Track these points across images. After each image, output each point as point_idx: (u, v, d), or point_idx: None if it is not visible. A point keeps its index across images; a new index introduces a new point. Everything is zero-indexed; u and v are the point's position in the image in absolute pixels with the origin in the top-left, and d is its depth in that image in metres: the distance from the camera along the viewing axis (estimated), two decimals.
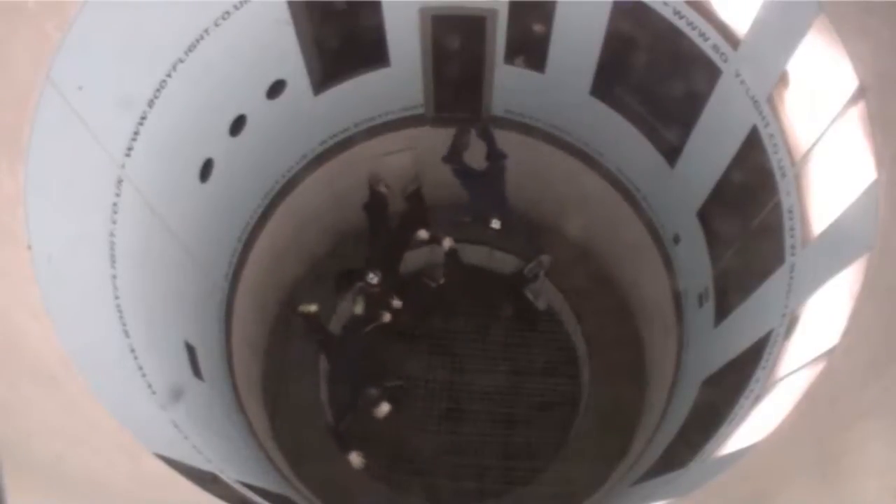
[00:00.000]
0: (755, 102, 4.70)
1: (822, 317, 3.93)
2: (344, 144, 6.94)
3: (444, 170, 7.25)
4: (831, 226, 4.06)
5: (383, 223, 7.48)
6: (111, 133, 4.05)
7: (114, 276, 4.06)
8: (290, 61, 5.65)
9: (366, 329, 6.91)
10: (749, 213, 5.21)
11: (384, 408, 6.49)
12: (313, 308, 6.59)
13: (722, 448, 4.37)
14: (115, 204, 4.13)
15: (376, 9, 5.68)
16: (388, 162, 7.27)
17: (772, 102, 4.56)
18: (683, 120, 5.68)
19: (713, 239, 5.89)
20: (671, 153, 6.05)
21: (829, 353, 3.47)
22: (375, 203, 7.37)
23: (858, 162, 3.60)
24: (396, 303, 7.07)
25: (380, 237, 7.52)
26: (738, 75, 4.81)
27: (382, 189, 7.24)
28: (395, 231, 7.53)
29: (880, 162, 3.45)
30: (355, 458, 6.54)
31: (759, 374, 4.51)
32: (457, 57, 6.41)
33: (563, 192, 7.44)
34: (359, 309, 6.90)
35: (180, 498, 3.28)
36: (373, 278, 6.83)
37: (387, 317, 6.96)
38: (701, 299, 6.14)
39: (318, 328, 6.87)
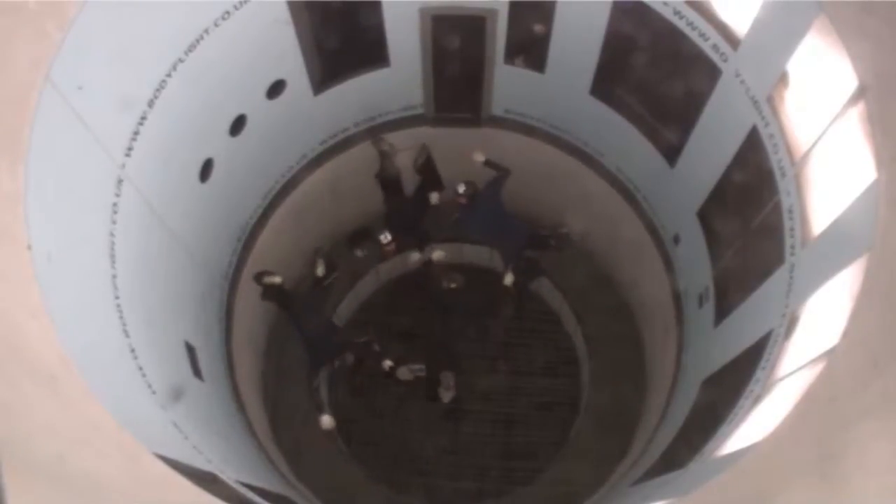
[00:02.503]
0: (755, 102, 4.70)
1: (822, 317, 3.92)
2: (344, 144, 6.94)
3: (443, 172, 7.26)
4: (831, 226, 4.06)
5: (398, 192, 7.41)
6: (111, 133, 4.06)
7: (114, 276, 4.06)
8: (290, 61, 5.65)
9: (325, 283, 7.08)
10: (749, 213, 5.21)
11: (387, 363, 6.85)
12: (277, 280, 6.63)
13: (722, 448, 4.37)
14: (115, 204, 4.13)
15: (376, 9, 5.68)
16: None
17: (772, 102, 4.56)
18: (683, 120, 5.68)
19: (713, 239, 5.89)
20: (671, 153, 6.05)
21: (829, 353, 3.47)
22: (387, 171, 7.30)
23: (858, 162, 3.60)
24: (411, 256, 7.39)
25: (396, 207, 7.47)
26: (738, 75, 4.81)
27: (385, 147, 7.11)
28: (411, 200, 7.48)
29: (880, 162, 3.45)
30: (326, 420, 6.59)
31: (759, 374, 4.51)
32: (457, 57, 6.41)
33: (563, 191, 7.44)
34: (320, 271, 6.96)
35: (180, 498, 3.28)
36: (385, 237, 6.88)
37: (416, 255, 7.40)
38: (701, 299, 6.14)
39: (282, 297, 6.88)
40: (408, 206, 7.41)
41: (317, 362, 6.98)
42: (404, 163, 7.28)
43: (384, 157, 7.16)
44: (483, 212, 6.92)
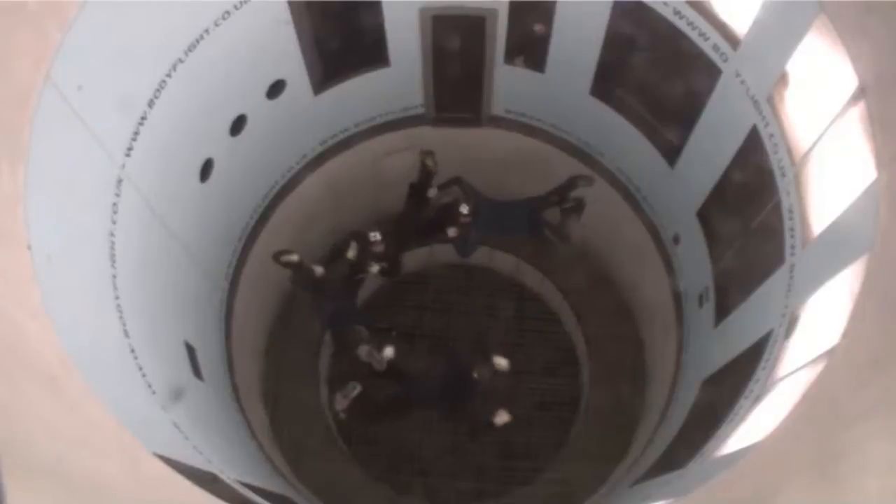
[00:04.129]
0: (755, 102, 4.70)
1: (822, 317, 3.92)
2: (344, 144, 6.95)
3: (444, 171, 7.26)
4: (831, 226, 4.06)
5: (420, 204, 7.41)
6: (111, 133, 4.05)
7: (114, 276, 4.06)
8: (290, 61, 5.65)
9: (354, 277, 7.07)
10: (749, 213, 5.21)
11: (364, 349, 6.56)
12: (294, 258, 6.64)
13: (722, 448, 4.37)
14: (115, 204, 4.13)
15: (376, 9, 5.68)
16: (389, 162, 7.28)
17: (772, 102, 4.57)
18: (683, 120, 5.68)
19: (713, 239, 5.89)
20: (671, 153, 6.05)
21: (829, 353, 3.47)
22: (422, 181, 7.30)
23: (858, 162, 3.60)
24: (374, 268, 7.16)
25: (411, 216, 7.49)
26: (738, 75, 4.81)
27: (430, 163, 7.09)
28: (426, 218, 7.48)
29: (880, 162, 3.45)
30: (389, 351, 6.56)
31: (759, 374, 4.51)
32: (457, 57, 6.41)
33: None
34: (351, 254, 6.96)
35: (180, 498, 3.28)
36: (375, 236, 6.84)
37: (375, 268, 7.09)
38: (701, 299, 6.14)
39: (304, 273, 6.87)
40: (423, 220, 7.44)
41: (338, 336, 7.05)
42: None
43: (425, 170, 7.19)
44: (485, 215, 6.95)
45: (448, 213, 7.20)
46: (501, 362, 6.56)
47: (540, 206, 7.07)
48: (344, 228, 7.87)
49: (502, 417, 6.49)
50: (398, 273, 7.90)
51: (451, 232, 7.20)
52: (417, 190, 7.32)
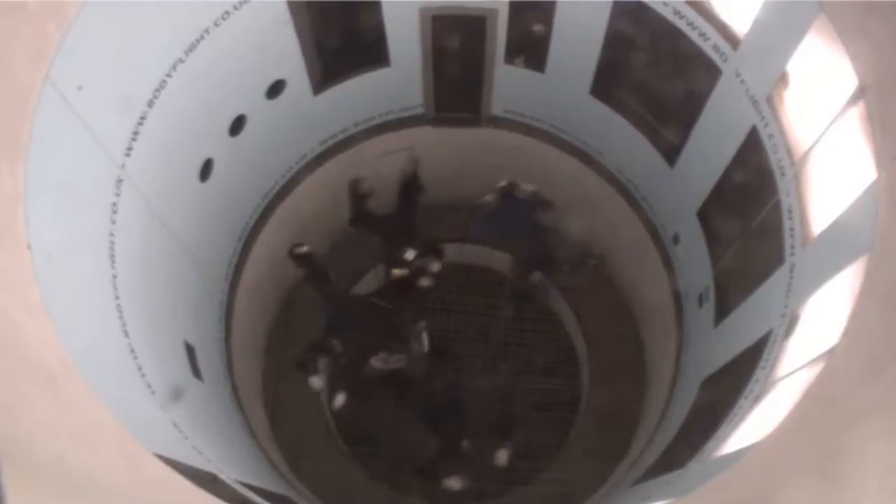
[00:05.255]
0: (755, 102, 4.71)
1: (822, 317, 3.93)
2: (344, 144, 6.95)
3: (443, 171, 7.25)
4: (831, 226, 4.07)
5: (374, 217, 7.40)
6: (111, 133, 4.05)
7: (114, 276, 4.06)
8: (290, 61, 5.65)
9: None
10: (749, 213, 5.21)
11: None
12: (304, 249, 6.80)
13: (722, 448, 4.37)
14: (115, 204, 4.13)
15: (376, 9, 5.69)
16: (389, 162, 7.28)
17: (772, 102, 4.57)
18: (683, 120, 5.68)
19: (713, 239, 5.89)
20: (671, 153, 6.05)
21: (829, 353, 3.47)
22: (361, 195, 7.31)
23: (858, 162, 3.60)
24: (436, 266, 7.23)
25: (386, 225, 7.44)
26: (738, 75, 4.82)
27: (366, 189, 7.17)
28: (398, 211, 7.44)
29: (880, 162, 3.46)
30: (316, 382, 7.06)
31: (759, 374, 4.52)
32: (457, 57, 6.41)
33: (563, 192, 7.44)
34: (409, 255, 7.12)
35: (180, 498, 3.28)
36: (409, 255, 7.02)
37: (427, 280, 7.22)
38: (701, 299, 6.14)
39: (315, 268, 7.03)
40: (396, 218, 7.40)
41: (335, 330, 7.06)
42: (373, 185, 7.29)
43: (360, 197, 7.17)
44: (510, 214, 6.99)
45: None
46: (502, 456, 6.69)
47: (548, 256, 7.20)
48: (344, 228, 7.88)
49: (455, 484, 6.48)
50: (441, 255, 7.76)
51: (425, 281, 7.28)
52: (405, 191, 7.31)
